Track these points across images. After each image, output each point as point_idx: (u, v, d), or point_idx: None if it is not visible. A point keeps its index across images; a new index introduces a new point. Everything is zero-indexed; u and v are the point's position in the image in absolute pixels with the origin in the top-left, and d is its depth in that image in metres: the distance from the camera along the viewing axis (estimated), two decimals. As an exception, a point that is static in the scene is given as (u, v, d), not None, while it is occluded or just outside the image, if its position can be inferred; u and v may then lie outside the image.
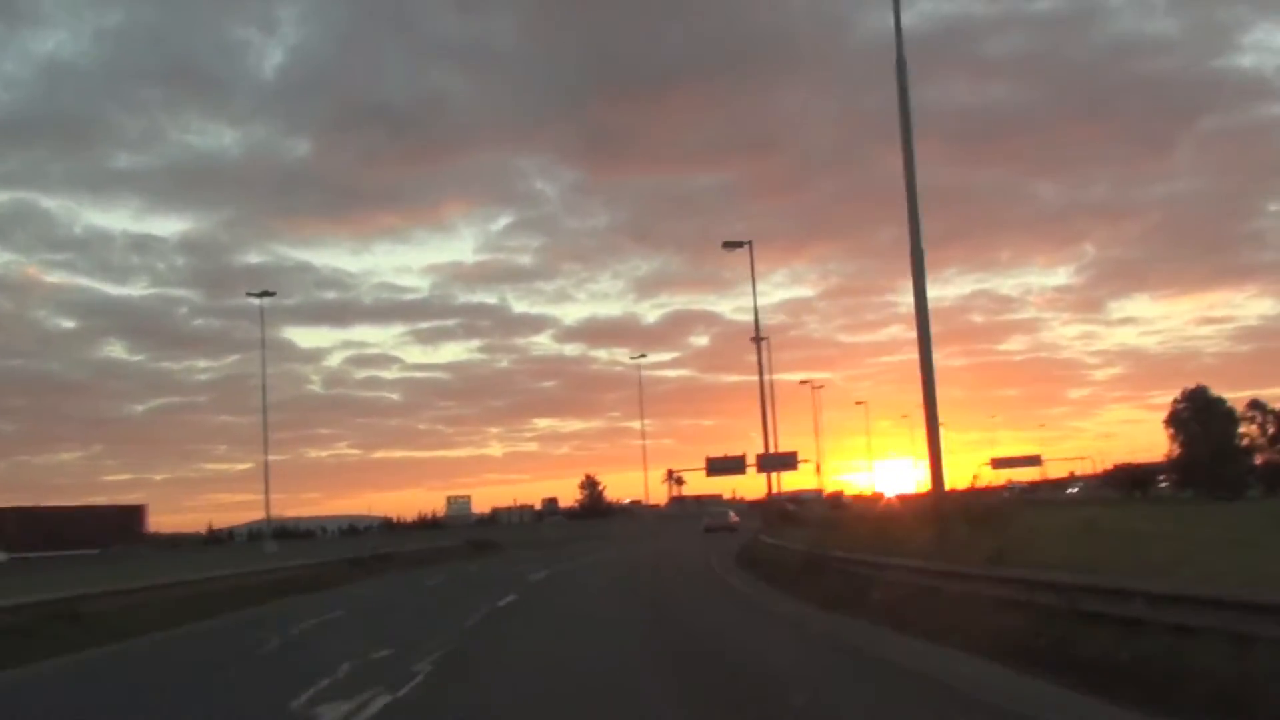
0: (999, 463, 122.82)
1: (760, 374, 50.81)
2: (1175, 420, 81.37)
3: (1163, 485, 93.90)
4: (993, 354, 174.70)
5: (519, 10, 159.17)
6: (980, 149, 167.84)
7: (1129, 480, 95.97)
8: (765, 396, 52.72)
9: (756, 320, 49.50)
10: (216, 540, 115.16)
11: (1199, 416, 79.17)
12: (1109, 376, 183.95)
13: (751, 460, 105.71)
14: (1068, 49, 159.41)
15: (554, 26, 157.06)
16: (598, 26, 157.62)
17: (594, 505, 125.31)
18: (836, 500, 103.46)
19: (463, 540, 60.93)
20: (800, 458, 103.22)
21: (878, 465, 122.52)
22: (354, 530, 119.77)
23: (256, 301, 66.53)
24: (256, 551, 58.31)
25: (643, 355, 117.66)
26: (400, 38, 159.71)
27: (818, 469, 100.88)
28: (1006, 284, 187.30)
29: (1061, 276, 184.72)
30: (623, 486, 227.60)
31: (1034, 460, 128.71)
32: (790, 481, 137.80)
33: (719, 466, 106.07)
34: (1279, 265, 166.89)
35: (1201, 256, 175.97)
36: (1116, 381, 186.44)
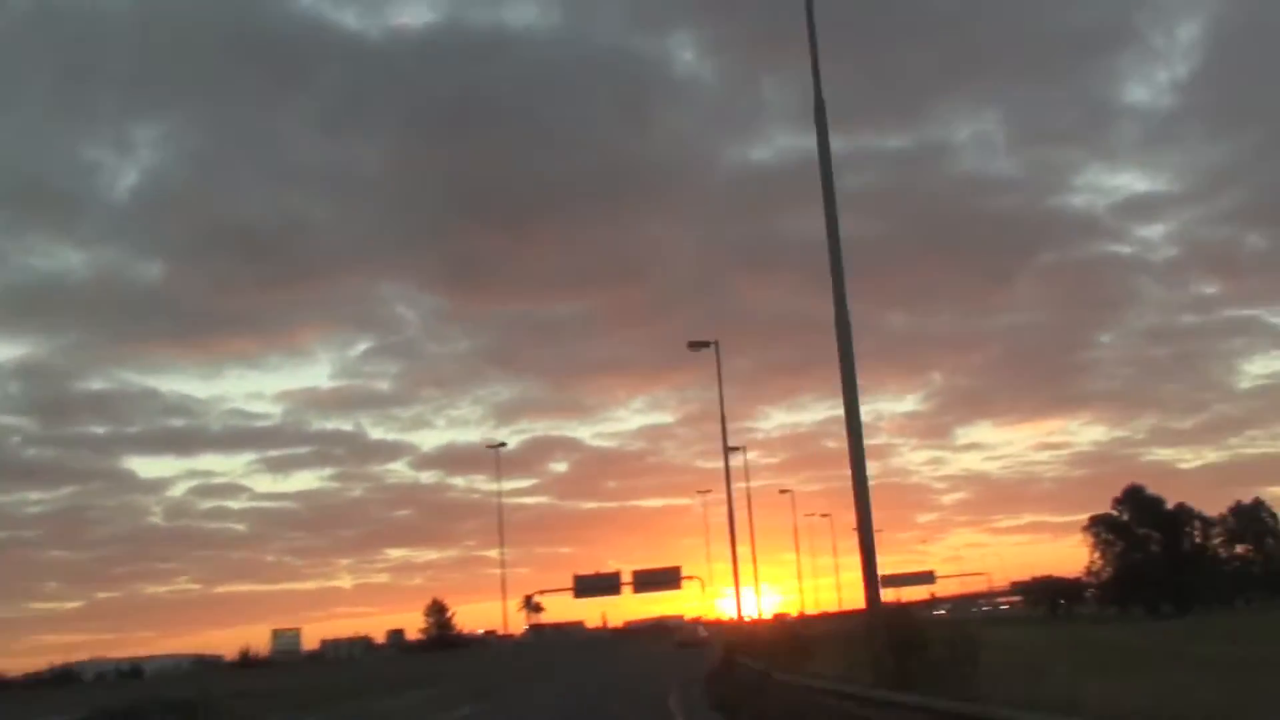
0: (889, 580, 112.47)
1: (728, 483, 43.33)
2: (1110, 526, 71.52)
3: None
4: (847, 479, 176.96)
5: (385, 137, 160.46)
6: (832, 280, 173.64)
7: (1051, 595, 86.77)
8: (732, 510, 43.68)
9: (724, 426, 41.89)
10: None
11: (1140, 520, 69.41)
12: (954, 501, 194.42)
13: (628, 578, 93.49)
14: (917, 185, 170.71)
15: (419, 154, 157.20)
16: (464, 155, 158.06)
17: (441, 636, 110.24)
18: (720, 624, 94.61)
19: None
20: (684, 573, 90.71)
21: (730, 591, 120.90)
22: (136, 673, 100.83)
23: None
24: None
25: (501, 449, 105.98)
26: (262, 160, 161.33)
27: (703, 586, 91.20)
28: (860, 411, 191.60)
29: (910, 404, 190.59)
30: (478, 616, 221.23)
31: (927, 577, 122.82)
32: (666, 605, 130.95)
33: (589, 586, 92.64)
34: (1110, 394, 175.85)
35: (1039, 385, 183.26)
36: (961, 506, 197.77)
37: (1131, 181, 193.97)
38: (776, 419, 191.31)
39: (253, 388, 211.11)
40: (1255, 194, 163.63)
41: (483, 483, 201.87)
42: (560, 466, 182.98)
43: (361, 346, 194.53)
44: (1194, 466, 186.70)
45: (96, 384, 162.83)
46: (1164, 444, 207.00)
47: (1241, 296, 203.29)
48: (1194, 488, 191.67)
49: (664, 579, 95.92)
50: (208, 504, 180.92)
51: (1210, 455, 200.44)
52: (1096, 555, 73.33)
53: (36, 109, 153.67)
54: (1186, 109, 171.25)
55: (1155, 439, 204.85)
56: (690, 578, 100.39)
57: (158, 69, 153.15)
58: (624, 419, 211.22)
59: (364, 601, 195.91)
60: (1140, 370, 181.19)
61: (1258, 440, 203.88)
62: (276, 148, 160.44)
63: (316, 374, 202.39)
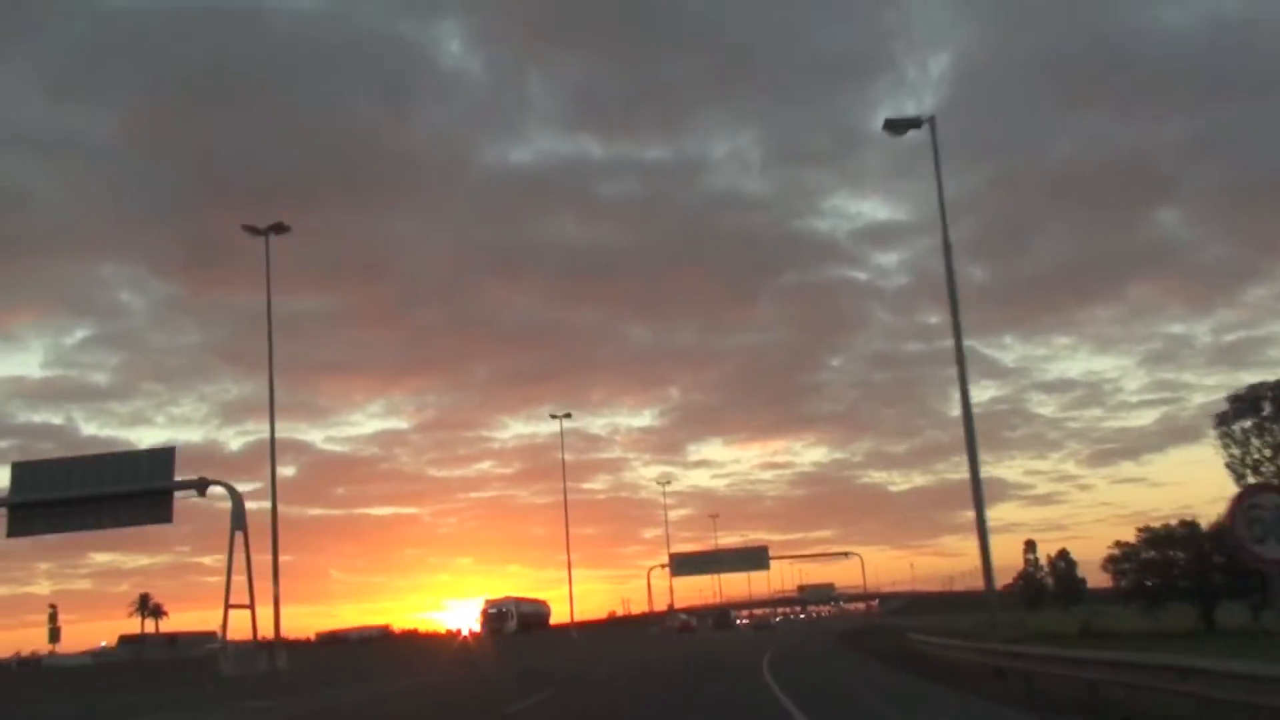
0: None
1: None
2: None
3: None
4: (577, 491, 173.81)
5: (121, 104, 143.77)
6: (582, 288, 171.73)
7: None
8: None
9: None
10: None
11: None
12: (680, 517, 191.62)
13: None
14: (673, 197, 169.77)
15: (159, 125, 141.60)
16: (207, 130, 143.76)
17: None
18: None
19: None
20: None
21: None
22: None
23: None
24: None
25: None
26: None
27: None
28: (596, 423, 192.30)
29: (647, 418, 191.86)
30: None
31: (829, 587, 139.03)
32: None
33: (687, 564, 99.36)
34: (835, 416, 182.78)
35: (770, 404, 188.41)
36: (687, 522, 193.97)
37: (874, 209, 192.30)
38: (513, 429, 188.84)
39: None
40: (981, 228, 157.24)
41: None
42: (287, 470, 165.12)
43: (79, 334, 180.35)
44: (903, 490, 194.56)
45: None
46: (879, 467, 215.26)
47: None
48: (901, 510, 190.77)
49: (756, 557, 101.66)
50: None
51: (918, 479, 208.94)
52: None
53: None
54: (929, 140, 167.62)
55: (871, 462, 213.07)
56: (777, 557, 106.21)
57: None
58: (358, 423, 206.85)
59: (65, 609, 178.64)
60: (864, 394, 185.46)
61: (961, 466, 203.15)
62: None
63: (25, 361, 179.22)
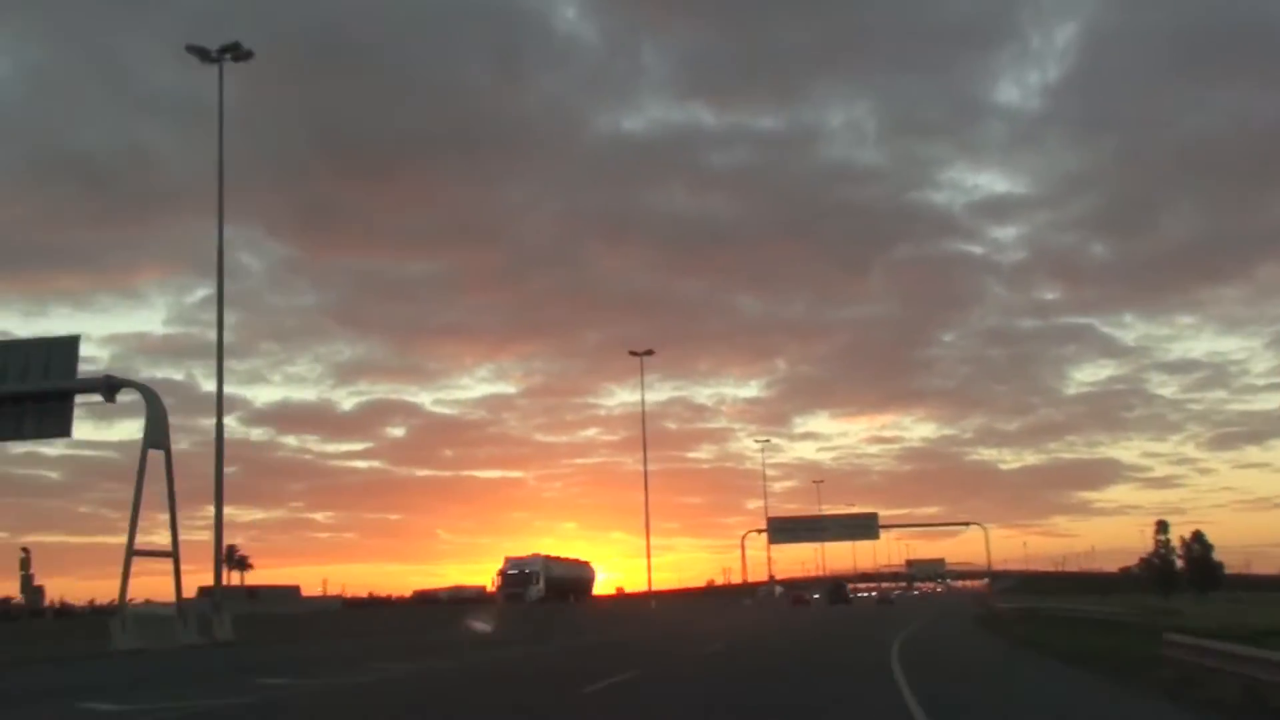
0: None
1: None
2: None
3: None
4: (682, 460, 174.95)
5: (244, 68, 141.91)
6: (691, 257, 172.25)
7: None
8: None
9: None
10: None
11: None
12: (784, 489, 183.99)
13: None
14: (785, 168, 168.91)
15: (281, 90, 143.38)
16: (329, 95, 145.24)
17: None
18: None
19: None
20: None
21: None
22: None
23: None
24: None
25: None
26: (107, 84, 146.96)
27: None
28: (703, 393, 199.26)
29: (753, 389, 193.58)
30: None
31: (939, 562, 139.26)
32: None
33: (784, 529, 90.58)
34: (945, 392, 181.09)
35: (879, 379, 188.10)
36: (790, 494, 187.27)
37: (991, 181, 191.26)
38: (620, 396, 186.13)
39: (79, 328, 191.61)
40: (1104, 203, 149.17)
41: (315, 443, 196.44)
42: (398, 431, 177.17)
43: (200, 293, 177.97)
44: (1013, 468, 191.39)
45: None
46: (989, 444, 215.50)
47: (1078, 304, 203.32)
48: (1010, 489, 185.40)
49: (864, 525, 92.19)
50: (19, 449, 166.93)
51: (1029, 458, 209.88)
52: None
53: None
54: (1052, 112, 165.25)
55: (981, 439, 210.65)
56: (886, 525, 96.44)
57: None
58: (467, 387, 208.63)
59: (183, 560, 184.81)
60: (976, 370, 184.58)
61: (1075, 446, 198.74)
62: (124, 70, 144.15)
63: (150, 318, 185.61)
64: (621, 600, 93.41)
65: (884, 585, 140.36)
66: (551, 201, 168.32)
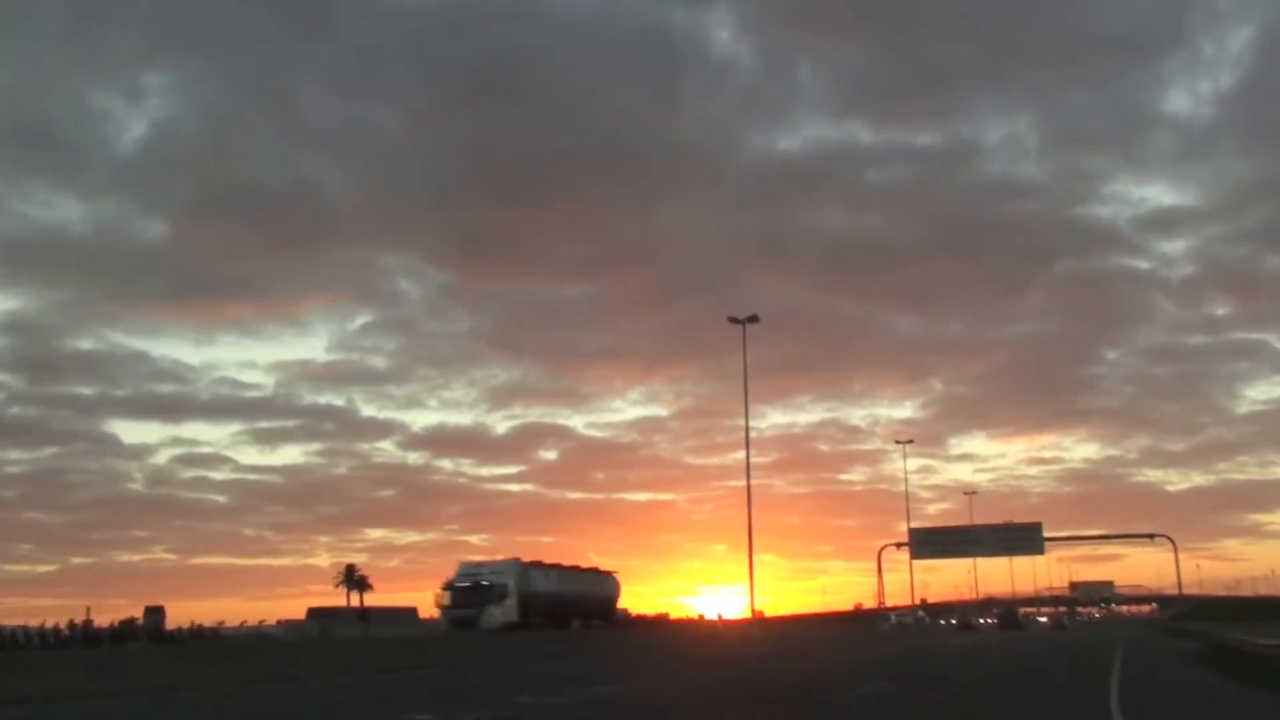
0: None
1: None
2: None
3: None
4: (834, 483, 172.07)
5: (403, 100, 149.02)
6: (847, 277, 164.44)
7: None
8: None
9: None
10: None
11: None
12: (939, 511, 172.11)
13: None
14: (943, 185, 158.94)
15: (439, 121, 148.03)
16: (482, 123, 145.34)
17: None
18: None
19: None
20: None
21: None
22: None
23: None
24: None
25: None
26: (275, 118, 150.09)
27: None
28: (855, 414, 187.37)
29: (908, 410, 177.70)
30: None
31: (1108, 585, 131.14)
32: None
33: (928, 541, 78.86)
34: (1109, 412, 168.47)
35: (1039, 399, 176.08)
36: (946, 516, 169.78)
37: (1159, 194, 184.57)
38: (771, 418, 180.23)
39: (246, 356, 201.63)
40: (1279, 214, 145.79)
41: (469, 466, 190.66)
42: (550, 455, 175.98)
43: (360, 320, 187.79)
44: (1180, 490, 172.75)
45: (85, 343, 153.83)
46: (1154, 465, 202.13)
47: (1251, 319, 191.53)
48: (1177, 511, 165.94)
49: (1025, 538, 79.36)
50: (190, 473, 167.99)
51: (1198, 479, 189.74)
52: None
53: (44, 48, 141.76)
54: (1224, 121, 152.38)
55: (1146, 460, 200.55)
56: (1052, 539, 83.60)
57: (173, 12, 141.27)
58: (619, 410, 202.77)
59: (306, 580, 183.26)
60: (1141, 388, 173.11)
61: (1247, 466, 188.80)
62: (292, 104, 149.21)
63: (313, 346, 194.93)
64: (697, 626, 79.25)
65: (1058, 609, 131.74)
66: (706, 224, 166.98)
